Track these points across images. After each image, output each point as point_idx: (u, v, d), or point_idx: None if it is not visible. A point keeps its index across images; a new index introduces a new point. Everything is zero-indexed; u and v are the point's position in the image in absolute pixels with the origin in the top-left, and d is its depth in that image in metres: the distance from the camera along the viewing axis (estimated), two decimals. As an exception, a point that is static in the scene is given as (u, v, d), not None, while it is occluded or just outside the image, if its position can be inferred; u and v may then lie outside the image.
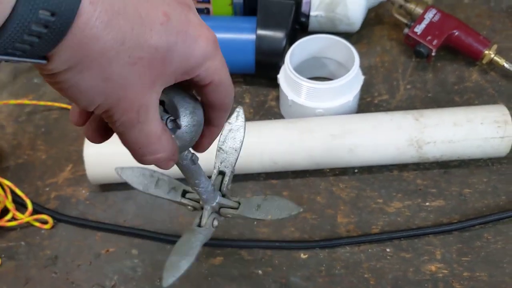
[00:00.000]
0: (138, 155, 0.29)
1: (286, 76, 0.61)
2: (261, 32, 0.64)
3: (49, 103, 0.67)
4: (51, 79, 0.24)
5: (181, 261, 0.38)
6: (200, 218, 0.42)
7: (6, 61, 0.23)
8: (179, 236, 0.54)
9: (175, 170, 0.36)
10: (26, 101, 0.67)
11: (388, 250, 0.53)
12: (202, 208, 0.42)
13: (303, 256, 0.54)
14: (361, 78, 0.61)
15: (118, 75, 0.25)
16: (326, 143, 0.56)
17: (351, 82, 0.59)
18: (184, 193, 0.43)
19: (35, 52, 0.22)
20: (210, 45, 0.28)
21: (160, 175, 0.44)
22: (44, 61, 0.23)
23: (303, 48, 0.63)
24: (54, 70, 0.24)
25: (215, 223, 0.42)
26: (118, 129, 0.28)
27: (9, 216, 0.57)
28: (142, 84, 0.26)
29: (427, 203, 0.56)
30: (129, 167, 0.44)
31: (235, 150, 0.43)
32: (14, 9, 0.21)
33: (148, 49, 0.25)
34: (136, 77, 0.25)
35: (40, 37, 0.22)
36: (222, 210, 0.42)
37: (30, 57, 0.23)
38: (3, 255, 0.55)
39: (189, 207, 0.43)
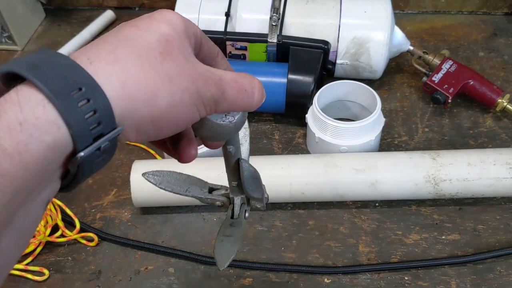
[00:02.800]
0: (251, 97, 0.32)
1: (314, 116, 0.67)
2: (292, 76, 0.70)
3: (97, 134, 0.74)
4: (143, 139, 0.29)
5: (230, 246, 0.40)
6: (232, 210, 0.43)
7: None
8: (211, 257, 0.59)
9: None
10: (77, 131, 0.73)
11: (406, 278, 0.57)
12: (230, 203, 0.44)
13: (326, 280, 0.58)
14: (382, 120, 0.67)
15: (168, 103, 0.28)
16: (350, 177, 0.61)
17: (373, 123, 0.65)
18: (210, 190, 0.45)
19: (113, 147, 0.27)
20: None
21: (186, 176, 0.46)
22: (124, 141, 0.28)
23: (330, 91, 0.69)
24: (136, 139, 0.29)
25: (247, 214, 0.44)
26: (229, 102, 0.31)
27: (58, 233, 0.62)
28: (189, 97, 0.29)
29: (443, 236, 0.61)
30: (156, 170, 0.46)
31: (245, 141, 0.46)
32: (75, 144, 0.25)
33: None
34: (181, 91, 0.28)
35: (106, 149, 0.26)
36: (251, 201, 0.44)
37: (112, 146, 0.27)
38: (51, 268, 0.61)
39: (218, 202, 0.44)
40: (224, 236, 0.42)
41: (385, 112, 0.73)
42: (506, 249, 0.57)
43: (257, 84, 0.33)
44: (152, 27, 0.29)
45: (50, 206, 0.62)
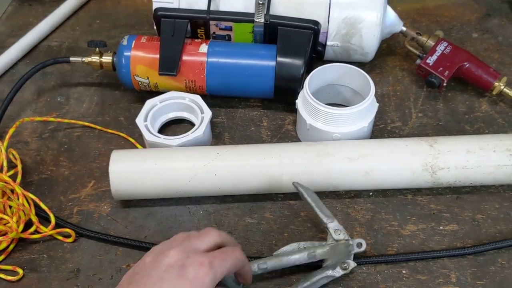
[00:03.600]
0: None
1: (305, 101, 0.63)
2: (280, 59, 0.66)
3: (73, 121, 0.69)
4: None
5: None
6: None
7: None
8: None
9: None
10: (50, 118, 0.69)
11: (404, 272, 0.55)
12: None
13: (320, 275, 0.55)
14: (375, 105, 0.64)
15: None
16: (344, 166, 0.58)
17: (367, 109, 0.61)
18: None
19: None
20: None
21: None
22: None
23: (321, 75, 0.65)
24: None
25: None
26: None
27: (32, 229, 0.58)
28: None
29: (441, 227, 0.58)
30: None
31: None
32: None
33: None
34: None
35: None
36: None
37: None
38: (25, 267, 0.56)
39: None
40: None
41: (377, 96, 0.70)
42: (508, 240, 0.55)
43: None
44: None
45: (23, 201, 0.58)
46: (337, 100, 0.70)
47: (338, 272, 0.52)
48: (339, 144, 0.60)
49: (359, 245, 0.53)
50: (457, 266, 0.55)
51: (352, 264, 0.52)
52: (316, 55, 0.73)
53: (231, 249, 0.46)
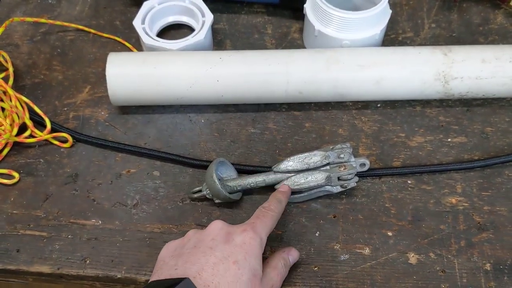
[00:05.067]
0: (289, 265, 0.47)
1: (314, 5, 0.59)
2: (288, -41, 0.62)
3: (66, 24, 0.65)
4: None
5: None
6: None
7: None
8: (201, 160, 0.54)
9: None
10: (42, 20, 0.64)
11: (409, 182, 0.54)
12: None
13: (324, 184, 0.54)
14: (388, 12, 0.60)
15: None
16: (353, 74, 0.55)
17: (379, 14, 0.58)
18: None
19: None
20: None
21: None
22: None
23: (331, -22, 0.61)
24: None
25: None
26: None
27: (27, 133, 0.56)
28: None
29: (449, 139, 0.57)
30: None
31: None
32: None
33: None
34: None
35: None
36: None
37: None
38: (21, 171, 0.55)
39: None
40: None
41: (390, 5, 0.66)
42: (516, 153, 0.54)
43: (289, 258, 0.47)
44: (247, 264, 0.41)
45: (16, 103, 0.55)
46: (348, 8, 0.66)
47: (337, 188, 0.51)
48: (351, 51, 0.57)
49: (363, 165, 0.52)
50: (463, 177, 0.54)
51: (352, 184, 0.51)
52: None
53: (263, 211, 0.45)
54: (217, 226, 0.43)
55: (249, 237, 0.42)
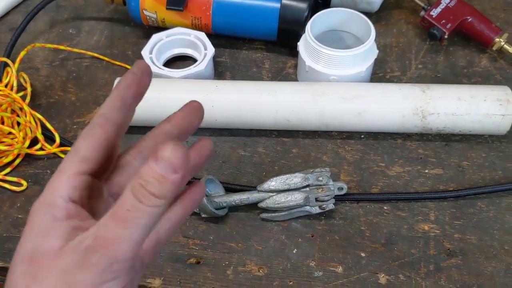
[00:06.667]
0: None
1: (306, 43, 0.64)
2: (285, 1, 0.68)
3: (82, 51, 0.72)
4: None
5: None
6: None
7: None
8: (193, 177, 0.59)
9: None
10: (61, 47, 0.71)
11: (385, 208, 0.57)
12: None
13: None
14: (375, 52, 0.65)
15: None
16: (337, 105, 0.60)
17: (365, 53, 0.63)
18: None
19: None
20: None
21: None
22: None
23: (324, 19, 0.67)
24: None
25: None
26: None
27: (38, 146, 0.61)
28: None
29: (426, 170, 0.60)
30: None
31: None
32: None
33: None
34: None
35: None
36: None
37: None
38: (29, 180, 0.60)
39: None
40: None
41: (380, 47, 0.71)
42: (490, 187, 0.57)
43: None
44: None
45: (30, 118, 0.61)
46: (339, 46, 0.71)
47: (315, 209, 0.55)
48: (335, 85, 0.61)
49: (340, 189, 0.55)
50: (437, 206, 0.57)
51: (330, 206, 0.55)
52: (322, 2, 0.74)
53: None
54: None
55: None
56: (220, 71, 0.71)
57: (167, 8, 0.68)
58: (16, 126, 0.62)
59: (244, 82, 0.63)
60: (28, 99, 0.65)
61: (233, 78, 0.70)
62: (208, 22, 0.70)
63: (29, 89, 0.66)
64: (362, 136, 0.63)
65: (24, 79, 0.68)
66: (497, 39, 0.68)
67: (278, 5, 0.68)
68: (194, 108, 0.35)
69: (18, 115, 0.62)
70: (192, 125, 0.35)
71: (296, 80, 0.70)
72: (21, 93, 0.66)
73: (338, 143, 0.63)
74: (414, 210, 0.57)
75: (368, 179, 0.60)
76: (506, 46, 0.68)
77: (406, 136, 0.63)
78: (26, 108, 0.62)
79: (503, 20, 0.76)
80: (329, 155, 0.62)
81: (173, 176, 0.25)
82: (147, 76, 0.34)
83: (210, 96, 0.61)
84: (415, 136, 0.63)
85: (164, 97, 0.61)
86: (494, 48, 0.69)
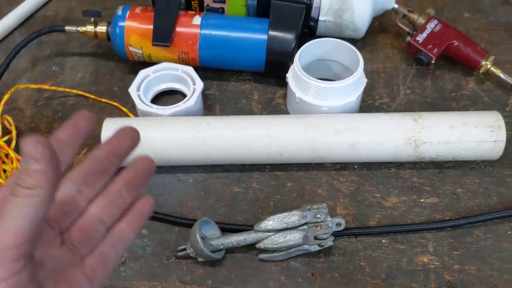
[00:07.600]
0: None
1: (295, 75, 0.64)
2: (272, 33, 0.67)
3: (67, 90, 0.71)
4: None
5: None
6: None
7: None
8: (186, 219, 0.58)
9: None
10: (45, 86, 0.70)
11: (384, 241, 0.57)
12: None
13: (303, 243, 0.57)
14: (364, 81, 0.65)
15: None
16: (330, 138, 0.59)
17: (355, 83, 0.63)
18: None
19: None
20: None
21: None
22: None
23: (311, 49, 0.67)
24: None
25: None
26: None
27: (26, 193, 0.60)
28: None
29: (422, 200, 0.60)
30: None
31: None
32: None
33: None
34: None
35: None
36: None
37: None
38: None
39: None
40: None
41: (367, 73, 0.71)
42: (485, 214, 0.57)
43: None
44: None
45: (17, 165, 0.59)
46: (328, 75, 0.71)
47: (314, 247, 0.54)
48: (327, 117, 0.61)
49: (339, 224, 0.55)
50: (435, 237, 0.57)
51: (329, 243, 0.54)
52: (308, 30, 0.73)
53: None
54: None
55: None
56: (209, 104, 0.70)
57: (153, 44, 0.67)
58: (2, 173, 0.60)
59: (235, 117, 0.62)
60: (13, 144, 0.63)
61: (223, 110, 0.69)
62: (195, 56, 0.69)
63: (14, 133, 0.65)
64: (356, 167, 0.63)
65: (8, 121, 0.66)
66: (483, 62, 0.69)
67: (265, 36, 0.67)
68: (125, 132, 0.37)
69: (4, 162, 0.60)
70: (122, 146, 0.36)
71: (286, 110, 0.69)
72: (6, 137, 0.64)
73: (332, 174, 0.63)
74: (413, 242, 0.57)
75: (365, 212, 0.59)
76: (492, 69, 0.69)
77: (399, 164, 0.63)
78: (12, 154, 0.60)
79: (487, 41, 0.77)
80: (324, 188, 0.61)
81: (35, 165, 0.28)
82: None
83: (202, 133, 0.60)
84: (408, 165, 0.63)
85: (154, 137, 0.60)
86: (481, 71, 0.70)
